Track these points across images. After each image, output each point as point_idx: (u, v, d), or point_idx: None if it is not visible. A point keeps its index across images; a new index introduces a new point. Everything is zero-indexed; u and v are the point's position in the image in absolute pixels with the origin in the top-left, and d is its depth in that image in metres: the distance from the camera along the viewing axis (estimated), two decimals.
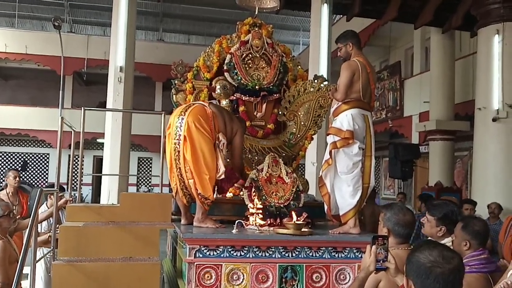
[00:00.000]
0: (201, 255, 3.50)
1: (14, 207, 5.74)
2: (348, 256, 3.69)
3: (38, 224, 5.16)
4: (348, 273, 3.68)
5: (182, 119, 3.90)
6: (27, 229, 3.26)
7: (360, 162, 3.88)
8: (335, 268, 3.66)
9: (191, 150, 3.82)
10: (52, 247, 4.22)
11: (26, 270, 3.31)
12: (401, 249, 2.62)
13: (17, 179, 6.08)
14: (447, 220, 3.10)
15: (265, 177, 4.14)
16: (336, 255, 3.68)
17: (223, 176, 3.96)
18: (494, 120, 8.38)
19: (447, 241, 3.08)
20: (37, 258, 3.86)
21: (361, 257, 3.67)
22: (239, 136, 4.19)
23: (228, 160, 4.24)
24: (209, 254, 3.51)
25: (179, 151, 3.89)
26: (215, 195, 4.07)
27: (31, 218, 3.39)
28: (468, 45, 12.62)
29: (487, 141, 8.57)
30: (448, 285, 1.73)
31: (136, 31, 11.66)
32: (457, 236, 2.93)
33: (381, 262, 2.13)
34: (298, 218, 3.80)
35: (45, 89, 20.24)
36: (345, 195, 3.88)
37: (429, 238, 3.26)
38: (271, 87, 4.82)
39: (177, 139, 3.90)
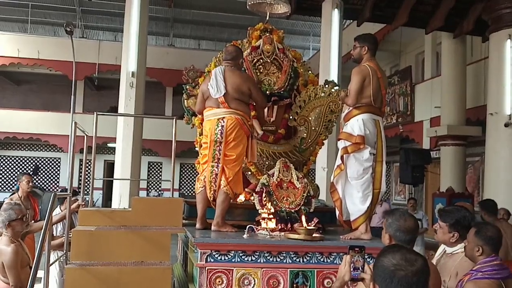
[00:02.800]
0: (212, 260, 3.51)
1: (27, 211, 5.81)
2: None
3: (53, 227, 5.22)
4: None
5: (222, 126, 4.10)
6: (41, 233, 3.28)
7: (371, 167, 3.87)
8: None
9: (233, 167, 4.11)
10: (65, 251, 4.26)
11: (40, 273, 3.33)
12: None
13: (30, 183, 6.14)
14: (459, 226, 3.08)
15: (276, 182, 4.15)
16: None
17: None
18: (506, 125, 8.33)
19: (459, 247, 3.07)
20: (51, 262, 3.89)
21: (372, 262, 3.66)
22: (254, 91, 4.26)
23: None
24: (220, 259, 3.52)
25: (217, 173, 4.12)
26: None
27: (45, 222, 3.42)
28: (480, 50, 12.54)
29: (499, 147, 8.51)
30: (412, 287, 1.73)
31: (147, 37, 11.74)
32: (469, 241, 2.91)
33: (358, 272, 2.11)
34: (309, 224, 3.80)
35: (57, 94, 20.43)
36: (355, 201, 3.87)
37: (442, 244, 3.24)
38: (282, 92, 4.83)
39: (216, 164, 4.13)
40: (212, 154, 4.11)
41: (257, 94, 4.28)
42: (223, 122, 4.05)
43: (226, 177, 4.04)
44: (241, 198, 4.38)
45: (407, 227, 2.67)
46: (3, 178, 20.79)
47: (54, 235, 5.28)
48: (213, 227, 4.01)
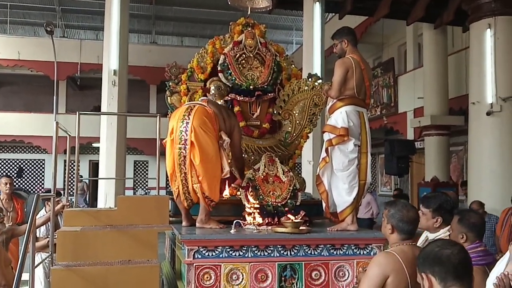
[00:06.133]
0: (200, 256, 3.50)
1: (8, 213, 5.75)
2: (347, 253, 3.71)
3: (37, 229, 5.17)
4: (347, 270, 3.69)
5: (187, 123, 3.89)
6: (25, 235, 3.25)
7: (356, 159, 3.89)
8: (334, 265, 3.68)
9: (200, 155, 3.83)
10: (50, 252, 4.22)
11: (25, 276, 3.30)
12: (405, 244, 2.65)
13: (8, 185, 6.06)
14: (443, 210, 3.13)
15: (262, 176, 4.15)
16: (335, 252, 3.69)
17: (228, 175, 3.97)
18: (488, 114, 8.41)
19: (442, 232, 3.11)
20: (36, 263, 3.86)
21: (360, 253, 3.70)
22: (237, 131, 4.23)
23: (229, 161, 4.25)
24: (208, 255, 3.51)
25: (185, 156, 3.90)
26: None
27: (28, 224, 3.38)
28: (461, 40, 12.67)
29: (482, 135, 8.59)
30: (462, 262, 1.87)
31: (129, 34, 11.64)
32: (453, 229, 2.96)
33: None
34: (296, 217, 3.81)
35: (39, 95, 20.18)
36: (341, 193, 3.89)
37: (426, 231, 3.28)
38: (265, 86, 4.83)
39: (183, 144, 3.90)
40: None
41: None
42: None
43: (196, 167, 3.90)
44: (227, 193, 4.36)
45: (410, 217, 2.69)
46: None
47: (38, 236, 5.23)
48: (197, 224, 3.98)
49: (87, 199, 18.24)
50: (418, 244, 3.34)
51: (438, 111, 11.85)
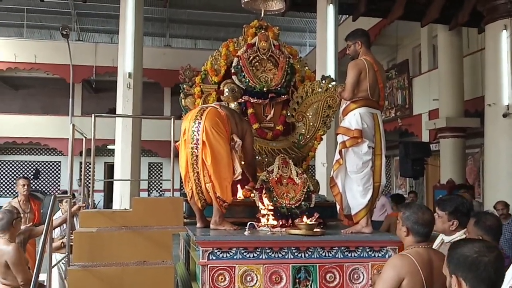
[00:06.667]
0: (214, 258, 3.51)
1: (25, 214, 5.84)
2: (361, 255, 3.69)
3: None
4: (362, 273, 3.67)
5: (199, 123, 3.90)
6: (42, 236, 3.30)
7: (370, 161, 3.87)
8: (349, 268, 3.66)
9: (211, 155, 3.83)
10: (67, 253, 4.28)
11: (41, 276, 3.35)
12: (421, 247, 2.64)
13: (26, 187, 6.15)
14: (459, 213, 3.10)
15: (276, 178, 4.15)
16: (349, 255, 3.67)
17: (240, 177, 3.98)
18: (504, 115, 8.34)
19: (458, 235, 3.07)
20: (53, 264, 3.92)
21: (374, 256, 3.69)
22: (249, 136, 4.22)
23: (242, 162, 4.27)
24: (222, 256, 3.52)
25: (197, 156, 3.90)
26: None
27: (45, 224, 3.44)
28: (476, 41, 12.55)
29: (498, 137, 8.52)
30: (498, 271, 1.82)
31: (143, 38, 11.73)
32: (470, 232, 2.93)
33: None
34: (310, 219, 3.81)
35: (55, 98, 20.44)
36: (356, 195, 3.87)
37: (441, 234, 3.25)
38: (279, 88, 4.84)
39: (195, 143, 3.90)
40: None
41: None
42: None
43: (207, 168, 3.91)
44: (241, 195, 4.38)
45: (425, 219, 2.68)
46: (4, 183, 20.82)
47: (52, 237, 5.31)
48: (211, 226, 3.99)
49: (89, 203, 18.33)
50: (433, 247, 3.32)
51: (453, 113, 11.75)
